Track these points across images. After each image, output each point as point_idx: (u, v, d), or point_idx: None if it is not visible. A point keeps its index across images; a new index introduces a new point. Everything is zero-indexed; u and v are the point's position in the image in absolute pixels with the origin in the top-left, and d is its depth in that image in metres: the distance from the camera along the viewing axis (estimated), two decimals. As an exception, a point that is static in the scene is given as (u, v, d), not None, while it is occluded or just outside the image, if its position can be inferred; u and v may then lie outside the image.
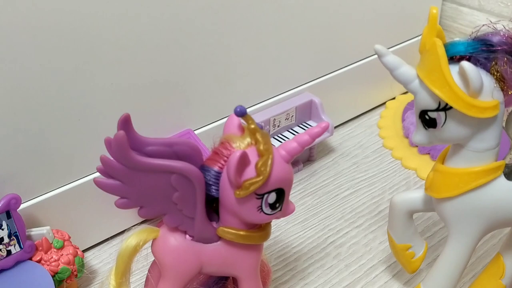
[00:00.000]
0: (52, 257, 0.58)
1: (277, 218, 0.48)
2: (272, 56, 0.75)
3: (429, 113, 0.45)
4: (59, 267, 0.58)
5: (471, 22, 0.94)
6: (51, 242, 0.59)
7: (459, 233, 0.49)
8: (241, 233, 0.47)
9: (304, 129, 0.79)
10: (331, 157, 0.84)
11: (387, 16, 0.86)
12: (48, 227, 0.59)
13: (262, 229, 0.49)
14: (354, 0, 0.80)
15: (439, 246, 0.67)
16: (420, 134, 0.47)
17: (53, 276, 0.57)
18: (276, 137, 0.78)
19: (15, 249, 0.57)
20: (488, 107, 0.43)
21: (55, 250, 0.59)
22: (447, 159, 0.49)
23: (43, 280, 0.56)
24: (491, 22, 0.45)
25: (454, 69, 0.43)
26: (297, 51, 0.77)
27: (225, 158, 0.45)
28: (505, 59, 0.43)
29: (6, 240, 0.56)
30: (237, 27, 0.69)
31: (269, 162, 0.44)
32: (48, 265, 0.58)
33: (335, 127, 0.88)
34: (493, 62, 0.44)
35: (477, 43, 0.44)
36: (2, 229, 0.56)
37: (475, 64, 0.43)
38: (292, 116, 0.78)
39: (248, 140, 0.45)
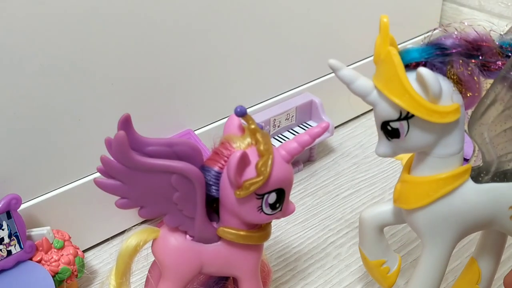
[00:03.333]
0: (52, 257, 0.58)
1: (277, 218, 0.48)
2: (272, 56, 0.75)
3: (391, 123, 0.44)
4: (60, 267, 0.58)
5: (471, 22, 0.94)
6: (51, 242, 0.59)
7: (434, 242, 0.48)
8: (241, 233, 0.47)
9: (304, 129, 0.79)
10: (331, 157, 0.84)
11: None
12: (48, 227, 0.59)
13: (262, 229, 0.49)
14: (354, 1, 0.80)
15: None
16: (384, 146, 0.46)
17: (53, 276, 0.57)
18: (276, 137, 0.77)
19: (15, 249, 0.57)
20: (450, 111, 0.42)
21: (55, 250, 0.59)
22: (413, 168, 0.48)
23: (44, 281, 0.56)
24: (442, 25, 0.44)
25: (411, 76, 0.42)
26: (297, 51, 0.77)
27: (226, 158, 0.45)
28: (460, 61, 0.42)
29: (6, 240, 0.56)
30: (237, 27, 0.69)
31: (269, 162, 0.44)
32: (48, 265, 0.58)
33: (335, 127, 0.88)
34: (449, 66, 0.43)
35: (431, 48, 0.43)
36: (3, 229, 0.56)
37: (431, 69, 0.42)
38: (292, 116, 0.78)
39: (248, 140, 0.45)
